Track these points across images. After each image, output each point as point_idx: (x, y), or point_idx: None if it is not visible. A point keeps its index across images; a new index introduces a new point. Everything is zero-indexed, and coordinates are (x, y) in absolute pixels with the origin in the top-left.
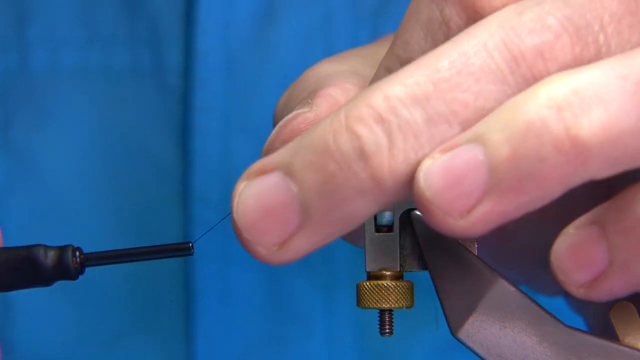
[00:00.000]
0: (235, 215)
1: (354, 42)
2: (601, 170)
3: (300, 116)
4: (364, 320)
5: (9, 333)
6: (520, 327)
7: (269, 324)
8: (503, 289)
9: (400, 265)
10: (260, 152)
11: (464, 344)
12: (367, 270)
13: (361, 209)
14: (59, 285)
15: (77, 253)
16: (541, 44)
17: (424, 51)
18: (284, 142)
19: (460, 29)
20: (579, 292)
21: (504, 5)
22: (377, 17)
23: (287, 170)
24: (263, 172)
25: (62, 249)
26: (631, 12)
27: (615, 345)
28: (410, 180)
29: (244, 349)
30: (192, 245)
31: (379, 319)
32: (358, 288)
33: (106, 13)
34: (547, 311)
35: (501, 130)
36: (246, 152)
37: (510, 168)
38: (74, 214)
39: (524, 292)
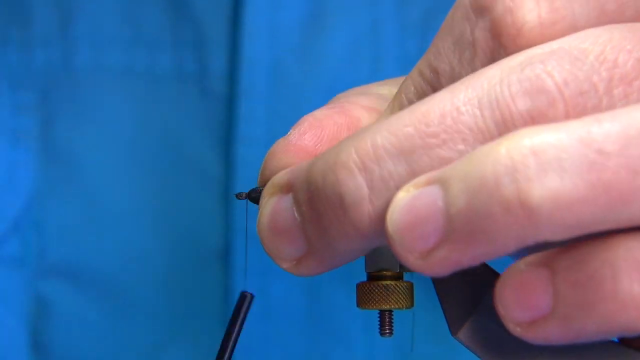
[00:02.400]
0: (257, 228)
1: (402, 50)
2: (554, 235)
3: (278, 142)
4: (404, 336)
5: (45, 341)
6: None
7: (309, 339)
8: None
9: (400, 265)
10: None
11: (463, 344)
12: (367, 270)
13: (352, 249)
14: (97, 294)
15: None
16: (533, 109)
17: (451, 63)
18: (270, 169)
19: (486, 55)
20: (515, 330)
21: (528, 46)
22: (424, 25)
23: (295, 198)
24: (282, 189)
25: None
26: None
27: (615, 346)
28: None
29: None
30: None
31: (379, 319)
32: (358, 289)
33: (151, 15)
34: None
35: (461, 179)
36: None
37: (464, 220)
38: (114, 217)
39: None
